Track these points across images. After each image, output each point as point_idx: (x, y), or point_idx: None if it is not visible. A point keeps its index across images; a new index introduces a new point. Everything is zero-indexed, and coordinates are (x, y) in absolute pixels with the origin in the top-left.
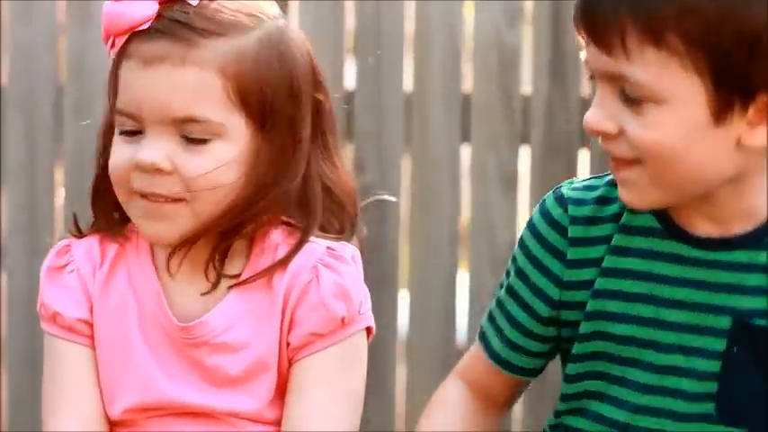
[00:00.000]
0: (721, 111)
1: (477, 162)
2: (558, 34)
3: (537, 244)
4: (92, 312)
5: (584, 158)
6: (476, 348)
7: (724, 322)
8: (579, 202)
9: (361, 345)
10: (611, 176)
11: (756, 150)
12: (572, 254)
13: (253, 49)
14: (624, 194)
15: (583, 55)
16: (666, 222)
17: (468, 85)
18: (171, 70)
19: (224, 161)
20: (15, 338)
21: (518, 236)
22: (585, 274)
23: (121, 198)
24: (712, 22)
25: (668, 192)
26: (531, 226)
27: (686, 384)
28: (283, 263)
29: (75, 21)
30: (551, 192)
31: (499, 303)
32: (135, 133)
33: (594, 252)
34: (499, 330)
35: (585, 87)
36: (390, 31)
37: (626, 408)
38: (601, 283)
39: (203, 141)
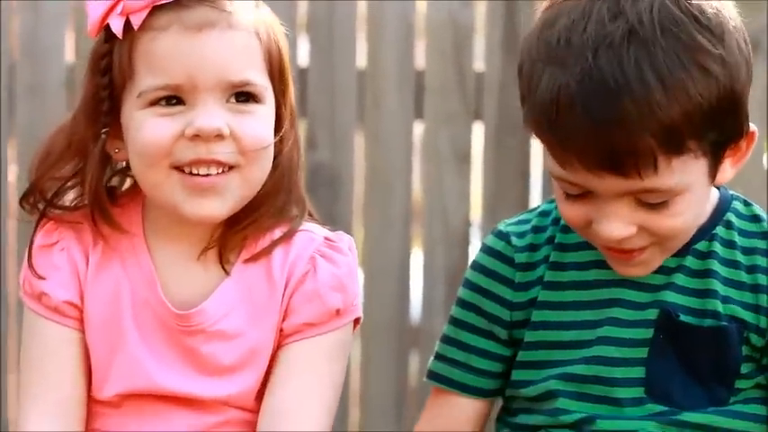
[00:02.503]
0: (714, 172)
1: (430, 139)
2: (512, 11)
3: (486, 278)
4: (81, 295)
5: None
6: (433, 399)
7: (652, 314)
8: (520, 234)
9: (348, 335)
10: (539, 209)
11: None
12: (519, 278)
13: (268, 18)
14: (632, 271)
15: (560, 174)
16: None
17: (421, 62)
18: (223, 35)
19: (270, 121)
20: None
21: (471, 213)
22: (531, 293)
23: (156, 176)
24: (714, 111)
25: (671, 253)
26: (476, 266)
27: (618, 372)
28: (283, 240)
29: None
30: (489, 234)
31: (453, 342)
32: (175, 104)
33: (537, 273)
34: (460, 364)
35: None
36: (343, 8)
37: (564, 396)
38: (542, 296)
39: (251, 104)
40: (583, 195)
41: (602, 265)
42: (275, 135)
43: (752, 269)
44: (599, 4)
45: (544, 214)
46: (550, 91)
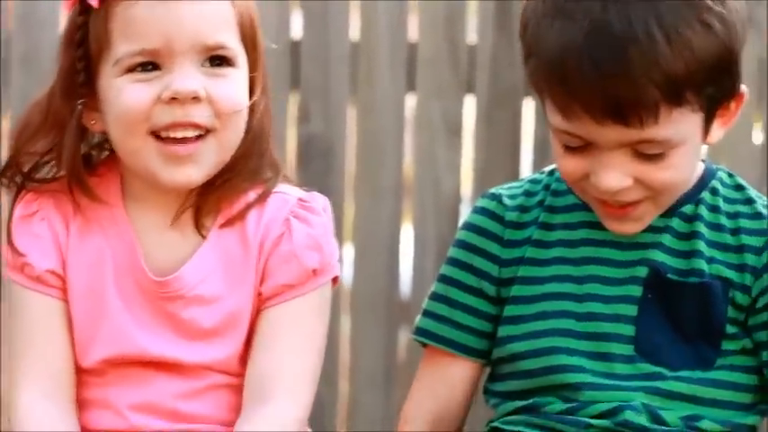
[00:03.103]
0: (707, 129)
1: (422, 112)
2: None
3: (477, 236)
4: (63, 264)
5: (528, 109)
6: (424, 360)
7: (641, 272)
8: (511, 196)
9: (327, 294)
10: (530, 177)
11: None
12: (509, 235)
13: None
14: (625, 227)
15: (561, 125)
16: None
17: (413, 34)
18: (196, 0)
19: (243, 85)
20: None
21: (462, 185)
22: (519, 251)
23: (133, 143)
24: (713, 67)
25: (663, 209)
26: (467, 225)
27: (608, 328)
28: (258, 202)
29: None
30: (480, 197)
31: (441, 298)
32: (151, 69)
33: (527, 233)
34: (447, 320)
35: None
36: None
37: (549, 353)
38: (529, 253)
39: (226, 68)
40: (582, 148)
41: (591, 225)
42: (265, 99)
43: (736, 231)
44: None
45: (535, 182)
46: (559, 43)
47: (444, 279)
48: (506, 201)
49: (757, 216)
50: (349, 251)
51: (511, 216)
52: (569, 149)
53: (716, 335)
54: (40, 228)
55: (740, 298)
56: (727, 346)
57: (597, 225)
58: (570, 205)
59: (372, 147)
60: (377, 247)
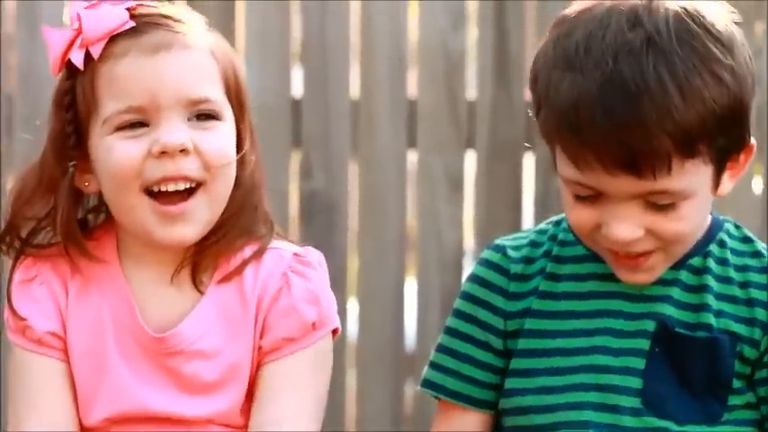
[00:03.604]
0: (717, 181)
1: (423, 167)
2: (503, 37)
3: (482, 288)
4: (63, 326)
5: (529, 162)
6: (438, 414)
7: (649, 326)
8: (516, 247)
9: (328, 348)
10: (537, 228)
11: None
12: (514, 288)
13: (222, 42)
14: (641, 278)
15: (573, 176)
16: (595, 250)
17: (413, 90)
18: (179, 54)
19: (231, 137)
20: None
21: (465, 238)
22: (525, 303)
23: (127, 201)
24: (725, 118)
25: (674, 259)
26: (472, 277)
27: (617, 380)
28: (254, 257)
29: (24, 32)
30: (485, 248)
31: (446, 350)
32: (139, 126)
33: (532, 284)
34: (454, 372)
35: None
36: (336, 38)
37: (564, 408)
38: (537, 305)
39: (212, 121)
40: (593, 198)
41: (599, 277)
42: (236, 155)
43: (745, 285)
44: (616, 16)
45: (541, 232)
46: (572, 94)
47: (450, 331)
48: (511, 253)
49: (766, 270)
50: (353, 305)
51: (516, 268)
52: (580, 199)
53: (723, 389)
54: (40, 291)
55: (748, 352)
56: (733, 400)
57: (606, 277)
58: (578, 256)
59: (375, 202)
60: (381, 300)
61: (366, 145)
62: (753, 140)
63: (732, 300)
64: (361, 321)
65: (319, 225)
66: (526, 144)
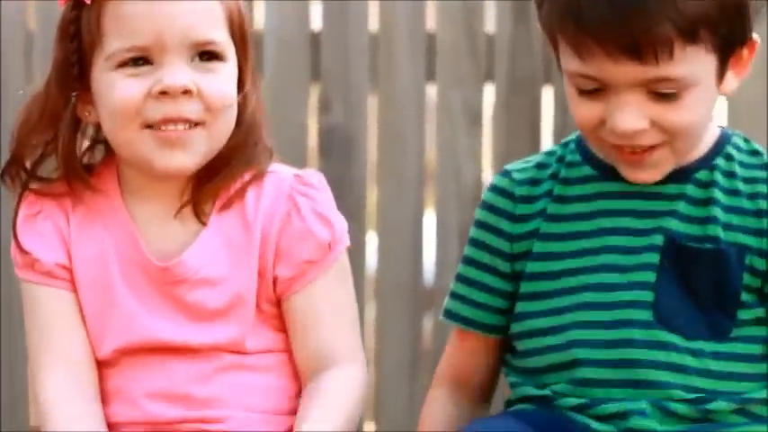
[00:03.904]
0: (721, 74)
1: (442, 101)
2: None
3: (488, 213)
4: (69, 258)
5: (548, 96)
6: (450, 339)
7: (658, 240)
8: (522, 170)
9: (346, 264)
10: (546, 150)
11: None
12: (520, 210)
13: None
14: (647, 176)
15: (576, 68)
16: (602, 168)
17: (432, 24)
18: None
19: (233, 79)
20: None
21: (483, 172)
22: (532, 225)
23: (127, 135)
24: (726, 6)
25: (683, 156)
26: (482, 204)
27: (627, 296)
28: (254, 180)
29: None
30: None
31: (460, 278)
32: (142, 64)
33: (539, 205)
34: (464, 299)
35: None
36: None
37: (570, 328)
38: (545, 228)
39: (215, 62)
40: (597, 92)
41: (606, 196)
42: (238, 94)
43: (753, 196)
44: None
45: (550, 153)
46: None
47: (465, 259)
48: (516, 175)
49: None
50: (372, 239)
51: (521, 191)
52: (584, 94)
53: (731, 303)
54: (44, 225)
55: (758, 263)
56: (742, 315)
57: (613, 195)
58: (586, 176)
59: (393, 135)
60: (400, 234)
61: (385, 79)
62: (756, 37)
63: (740, 212)
64: (380, 254)
65: (338, 158)
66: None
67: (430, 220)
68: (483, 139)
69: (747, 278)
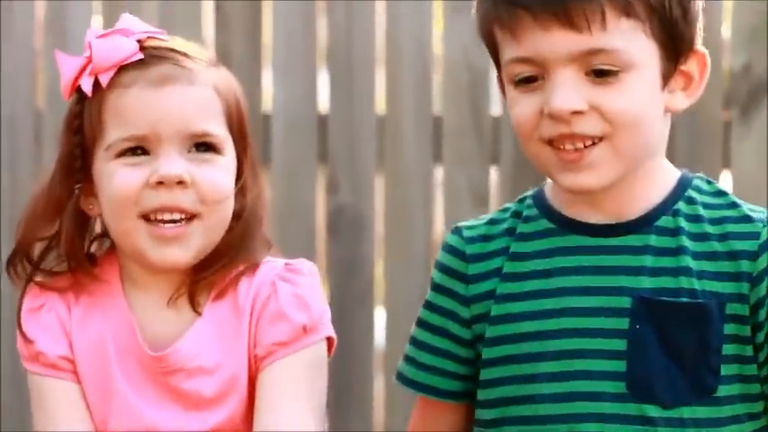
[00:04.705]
0: (666, 74)
1: (449, 181)
2: None
3: (441, 274)
4: (72, 350)
5: None
6: (417, 405)
7: (625, 302)
8: (472, 227)
9: (323, 354)
10: (500, 209)
11: (667, 124)
12: (472, 269)
13: (227, 76)
14: (585, 180)
15: (512, 52)
16: (560, 221)
17: (438, 106)
18: (184, 88)
19: (230, 172)
20: (4, 348)
21: None
22: (487, 285)
23: (124, 225)
24: None
25: (626, 165)
26: (436, 264)
27: (596, 365)
28: (248, 270)
29: (51, 45)
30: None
31: (415, 342)
32: (140, 153)
33: (493, 264)
34: (420, 365)
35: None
36: (361, 53)
37: (540, 401)
38: (502, 288)
39: (211, 154)
40: (534, 82)
41: (565, 251)
42: (254, 182)
43: (724, 237)
44: None
45: (503, 210)
46: None
47: (419, 322)
48: (466, 233)
49: (746, 219)
50: (381, 315)
51: (472, 249)
52: (522, 87)
53: (715, 359)
54: (48, 318)
55: (739, 309)
56: (725, 370)
57: (573, 250)
58: (544, 230)
59: (401, 215)
60: (408, 312)
61: (392, 160)
62: (704, 51)
63: (712, 257)
64: (389, 330)
65: (346, 239)
66: None
67: None
68: None
69: (730, 328)
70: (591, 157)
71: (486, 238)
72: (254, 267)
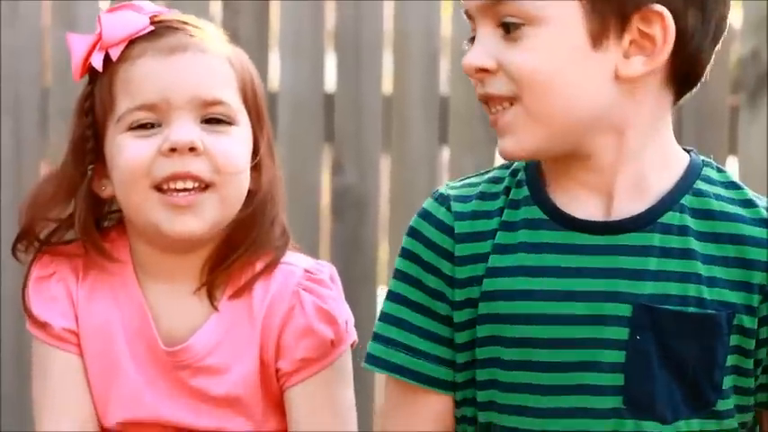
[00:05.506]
0: (598, 34)
1: (455, 163)
2: None
3: (424, 248)
4: (77, 322)
5: None
6: (390, 391)
7: (625, 310)
8: (462, 199)
9: (349, 362)
10: (490, 174)
11: (635, 94)
12: (459, 251)
13: (241, 53)
14: (505, 144)
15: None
16: (552, 211)
17: (445, 88)
18: (195, 57)
19: (245, 144)
20: (5, 336)
21: None
22: (474, 269)
23: (137, 197)
24: None
25: (545, 130)
26: (412, 233)
27: (592, 379)
28: (265, 272)
29: (59, 24)
30: (429, 197)
31: (391, 319)
32: (151, 127)
33: (481, 248)
34: (400, 345)
35: None
36: (369, 33)
37: (529, 414)
38: (489, 284)
39: (225, 125)
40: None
41: (557, 249)
42: (270, 161)
43: (737, 240)
44: None
45: (493, 180)
46: None
47: (394, 296)
48: (455, 206)
49: (763, 223)
50: (383, 295)
51: (461, 227)
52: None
53: (718, 371)
54: (57, 289)
55: (747, 321)
56: (728, 383)
57: (571, 248)
58: (533, 220)
59: (406, 197)
60: None
61: (398, 141)
62: (662, 10)
63: (723, 261)
64: None
65: (350, 219)
66: None
67: None
68: None
69: (734, 339)
70: (503, 121)
71: (475, 216)
72: (271, 267)
